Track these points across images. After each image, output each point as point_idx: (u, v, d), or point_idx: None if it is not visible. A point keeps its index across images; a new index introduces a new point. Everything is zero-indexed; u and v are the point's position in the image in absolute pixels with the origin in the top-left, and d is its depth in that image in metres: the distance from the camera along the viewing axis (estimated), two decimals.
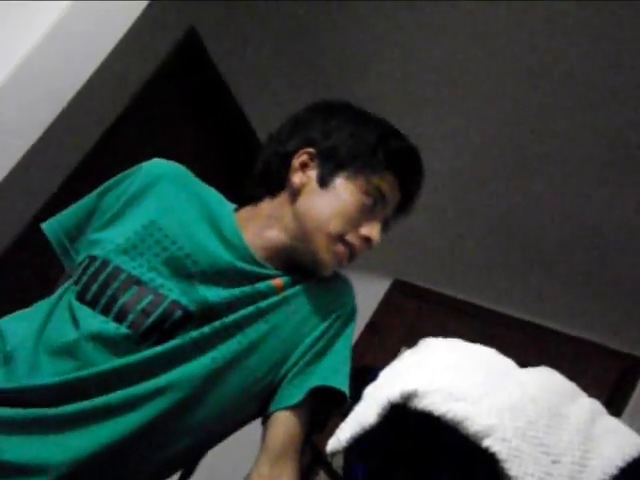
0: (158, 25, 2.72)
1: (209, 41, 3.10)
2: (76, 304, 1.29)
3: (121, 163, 1.51)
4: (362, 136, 1.38)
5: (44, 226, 1.44)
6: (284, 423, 1.31)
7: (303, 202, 1.36)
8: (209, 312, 1.29)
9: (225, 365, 1.28)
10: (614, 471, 1.10)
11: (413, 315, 3.65)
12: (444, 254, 3.71)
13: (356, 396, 1.28)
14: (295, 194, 1.38)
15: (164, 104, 3.07)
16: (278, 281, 1.36)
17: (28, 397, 1.20)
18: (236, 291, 1.31)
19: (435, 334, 1.40)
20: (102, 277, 1.29)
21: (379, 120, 1.44)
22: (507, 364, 1.34)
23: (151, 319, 1.26)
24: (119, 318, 1.26)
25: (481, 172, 3.29)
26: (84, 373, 1.21)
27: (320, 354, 1.35)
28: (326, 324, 1.38)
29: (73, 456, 1.17)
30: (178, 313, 1.27)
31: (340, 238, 1.36)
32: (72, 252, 1.41)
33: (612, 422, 1.23)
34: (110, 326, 1.26)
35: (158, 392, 1.23)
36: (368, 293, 3.82)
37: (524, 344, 3.19)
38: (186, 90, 3.20)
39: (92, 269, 1.30)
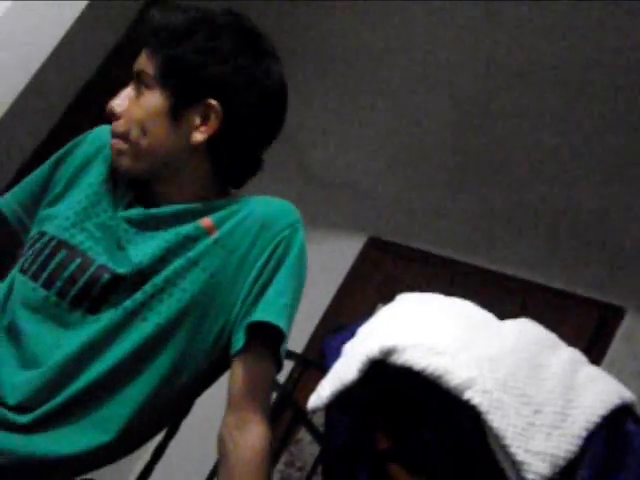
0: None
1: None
2: (17, 276, 1.28)
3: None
4: None
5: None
6: (238, 370, 1.26)
7: None
8: (139, 273, 1.24)
9: (171, 326, 1.23)
10: (597, 419, 1.11)
11: (389, 271, 3.64)
12: (419, 209, 3.70)
13: (336, 354, 1.27)
14: None
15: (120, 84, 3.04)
16: (207, 221, 1.29)
17: None
18: (161, 242, 1.27)
19: (412, 290, 1.40)
20: (38, 246, 1.28)
21: None
22: (485, 317, 1.34)
23: (78, 286, 1.23)
24: (47, 285, 1.24)
25: (457, 126, 3.28)
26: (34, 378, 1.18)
27: (262, 290, 1.27)
28: (265, 256, 1.29)
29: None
30: (105, 277, 1.23)
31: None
32: (30, 227, 1.37)
33: (593, 371, 1.23)
34: (39, 293, 1.24)
35: (110, 374, 1.20)
36: (343, 251, 3.81)
37: (502, 297, 3.19)
38: None
39: (40, 245, 1.28)
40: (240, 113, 1.31)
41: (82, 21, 2.46)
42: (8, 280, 1.32)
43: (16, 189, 1.41)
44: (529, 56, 2.78)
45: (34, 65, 2.38)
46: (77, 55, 2.55)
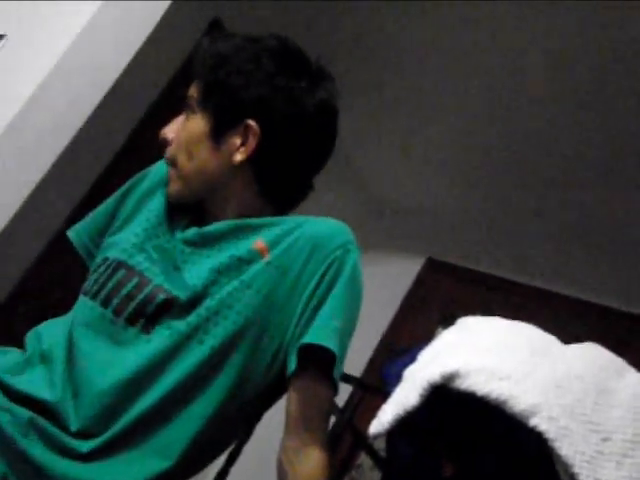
0: (183, 17, 2.74)
1: (234, 30, 3.09)
2: (80, 298, 1.33)
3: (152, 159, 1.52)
4: None
5: (69, 233, 1.48)
6: (294, 393, 1.27)
7: None
8: (194, 295, 1.26)
9: (227, 348, 1.24)
10: None
11: (448, 294, 3.61)
12: (478, 230, 3.67)
13: (397, 379, 1.26)
14: None
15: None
16: (260, 243, 1.31)
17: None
18: (214, 265, 1.28)
19: (471, 312, 1.37)
20: (100, 270, 1.33)
21: None
22: (550, 340, 1.31)
23: (134, 303, 1.26)
24: (105, 303, 1.27)
25: (514, 146, 3.24)
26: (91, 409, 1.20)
27: (315, 312, 1.28)
28: (317, 277, 1.30)
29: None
30: (160, 297, 1.25)
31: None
32: (96, 255, 1.43)
33: None
34: (96, 311, 1.27)
35: (167, 398, 1.21)
36: (401, 273, 3.80)
37: (566, 319, 3.13)
38: None
39: (102, 268, 1.33)
40: (278, 132, 1.34)
41: (149, 44, 2.55)
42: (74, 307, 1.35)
43: (85, 221, 1.48)
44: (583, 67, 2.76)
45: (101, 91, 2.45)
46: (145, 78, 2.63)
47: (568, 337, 1.32)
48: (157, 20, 2.59)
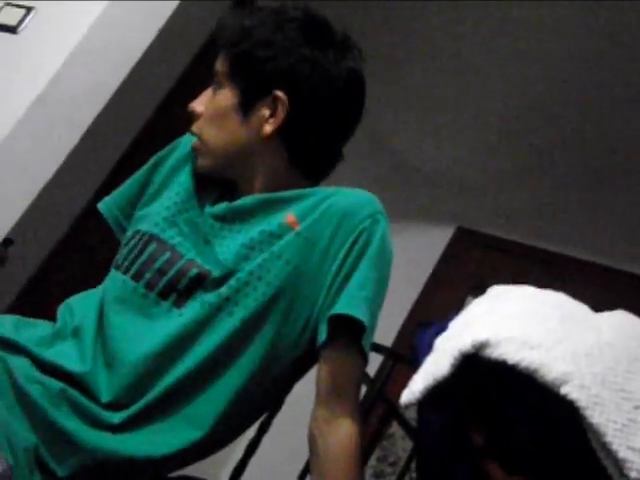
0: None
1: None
2: (111, 272, 1.34)
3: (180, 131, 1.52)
4: None
5: (100, 206, 1.47)
6: (324, 363, 1.27)
7: None
8: (225, 269, 1.27)
9: (258, 319, 1.25)
10: None
11: (478, 263, 3.59)
12: (507, 199, 3.63)
13: (428, 348, 1.26)
14: None
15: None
16: (291, 218, 1.31)
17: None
18: (245, 240, 1.29)
19: (502, 282, 1.37)
20: (132, 243, 1.33)
21: None
22: (581, 309, 1.30)
23: (167, 277, 1.26)
24: (137, 277, 1.28)
25: (546, 113, 3.20)
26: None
27: (344, 282, 1.27)
28: (347, 248, 1.29)
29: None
30: (193, 271, 1.26)
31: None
32: (127, 228, 1.43)
33: None
34: (128, 285, 1.27)
35: (199, 369, 1.22)
36: (431, 242, 3.78)
37: (597, 288, 3.10)
38: None
39: (134, 242, 1.33)
40: (306, 102, 1.33)
41: (167, 30, 2.53)
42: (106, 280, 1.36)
43: (116, 193, 1.47)
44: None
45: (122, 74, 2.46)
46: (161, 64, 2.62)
47: (599, 305, 1.31)
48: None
